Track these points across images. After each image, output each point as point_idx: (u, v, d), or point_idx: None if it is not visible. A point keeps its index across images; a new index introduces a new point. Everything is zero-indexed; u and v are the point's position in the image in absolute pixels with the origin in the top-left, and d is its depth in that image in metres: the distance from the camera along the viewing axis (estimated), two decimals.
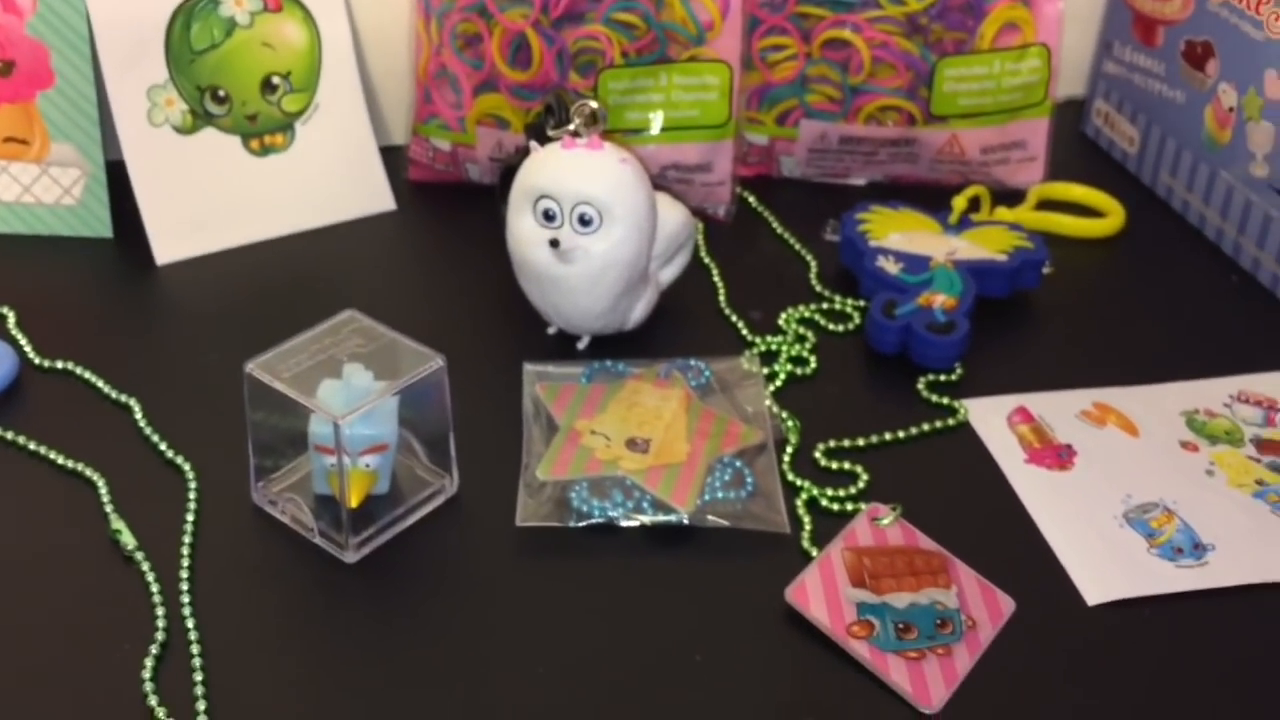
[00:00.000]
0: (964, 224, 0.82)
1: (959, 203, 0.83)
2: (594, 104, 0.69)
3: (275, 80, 0.82)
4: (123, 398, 0.68)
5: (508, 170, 0.75)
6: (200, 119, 0.81)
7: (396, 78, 0.91)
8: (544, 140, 0.71)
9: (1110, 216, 0.88)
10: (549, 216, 0.68)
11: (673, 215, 0.74)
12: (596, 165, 0.68)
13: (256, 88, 0.81)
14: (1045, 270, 0.79)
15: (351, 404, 0.57)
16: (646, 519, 0.61)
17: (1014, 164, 0.91)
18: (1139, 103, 0.93)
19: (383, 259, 0.83)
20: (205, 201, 0.81)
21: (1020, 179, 0.91)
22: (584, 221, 0.68)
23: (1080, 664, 0.56)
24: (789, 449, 0.67)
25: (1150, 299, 0.82)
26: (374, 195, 0.86)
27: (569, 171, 0.68)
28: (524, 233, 0.69)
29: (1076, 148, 0.98)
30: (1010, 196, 0.89)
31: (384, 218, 0.86)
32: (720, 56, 0.83)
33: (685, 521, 0.61)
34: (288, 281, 0.80)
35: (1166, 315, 0.80)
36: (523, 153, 0.72)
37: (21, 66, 0.77)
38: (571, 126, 0.69)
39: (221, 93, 0.80)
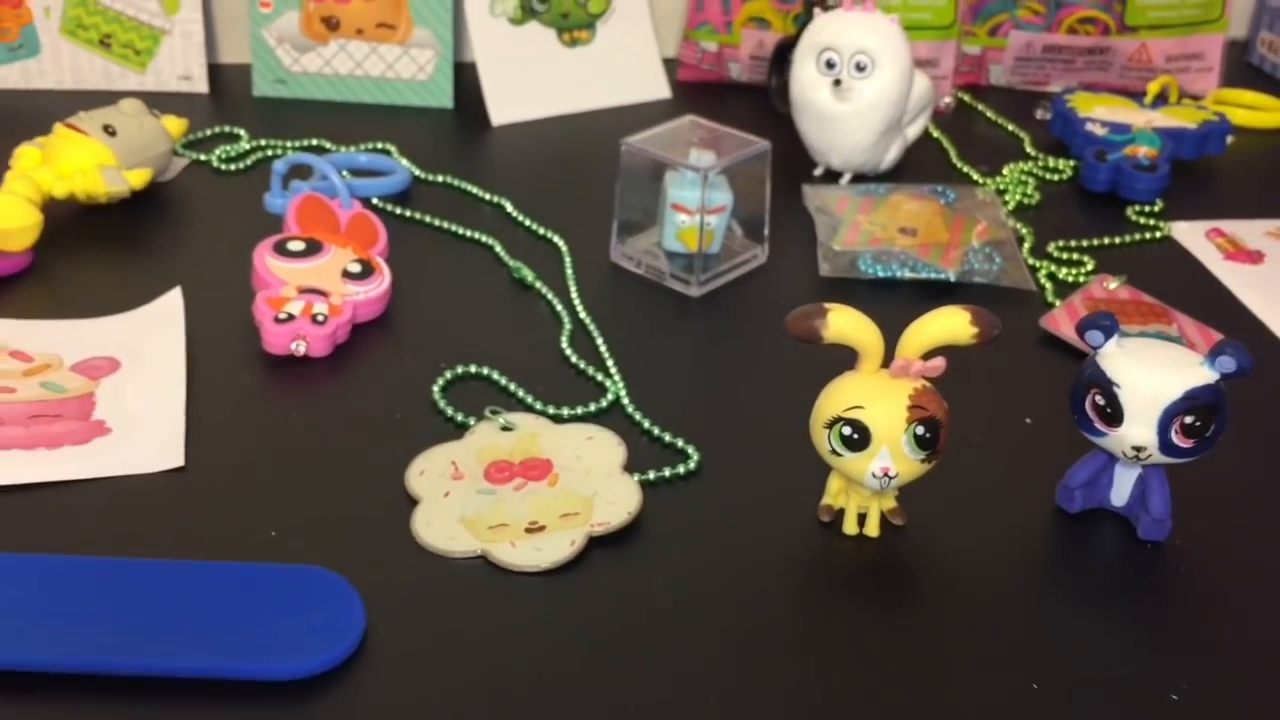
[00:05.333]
0: (1157, 104, 0.98)
1: (1153, 87, 0.99)
2: None
3: None
4: (495, 198, 0.86)
5: (782, 46, 0.94)
6: (527, 14, 1.00)
7: None
8: (826, 8, 0.89)
9: None
10: (830, 65, 0.86)
11: (921, 78, 0.91)
12: (872, 22, 0.85)
13: None
14: (1229, 139, 0.94)
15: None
16: (922, 275, 0.78)
17: (1193, 73, 1.06)
18: None
19: None
20: (528, 79, 1.00)
21: (1198, 87, 1.07)
22: (859, 68, 0.85)
23: None
24: (1025, 246, 0.83)
25: None
26: (654, 84, 1.04)
27: (851, 27, 0.85)
28: (809, 79, 0.87)
29: (1245, 75, 1.13)
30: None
31: (661, 103, 1.04)
32: None
33: (952, 279, 0.78)
34: (592, 140, 0.98)
35: None
36: (797, 33, 0.90)
37: None
38: None
39: None
